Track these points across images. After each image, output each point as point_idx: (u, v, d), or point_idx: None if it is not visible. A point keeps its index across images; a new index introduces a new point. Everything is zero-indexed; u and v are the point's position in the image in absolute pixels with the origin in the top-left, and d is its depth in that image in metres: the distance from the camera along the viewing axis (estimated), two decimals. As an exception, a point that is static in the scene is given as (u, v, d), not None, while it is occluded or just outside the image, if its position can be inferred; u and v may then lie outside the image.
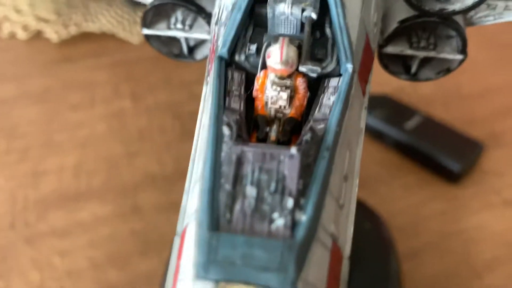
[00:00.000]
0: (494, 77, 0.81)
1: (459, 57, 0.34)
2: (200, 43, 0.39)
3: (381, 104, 0.73)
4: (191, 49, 0.39)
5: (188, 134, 0.72)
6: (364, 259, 0.54)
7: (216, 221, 0.21)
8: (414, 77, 0.37)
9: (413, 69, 0.36)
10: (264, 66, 0.26)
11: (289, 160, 0.22)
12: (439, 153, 0.68)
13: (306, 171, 0.22)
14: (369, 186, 0.67)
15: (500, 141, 0.72)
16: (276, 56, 0.24)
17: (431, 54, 0.34)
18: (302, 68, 0.25)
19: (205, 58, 0.38)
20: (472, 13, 0.34)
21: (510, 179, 0.68)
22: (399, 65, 0.37)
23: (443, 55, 0.34)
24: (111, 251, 0.59)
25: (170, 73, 0.80)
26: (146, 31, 0.36)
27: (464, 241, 0.62)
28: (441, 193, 0.67)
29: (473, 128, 0.72)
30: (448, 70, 0.36)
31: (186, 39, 0.37)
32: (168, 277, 0.23)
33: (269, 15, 0.27)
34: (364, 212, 0.59)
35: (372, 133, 0.70)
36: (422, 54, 0.35)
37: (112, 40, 0.84)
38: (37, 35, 0.84)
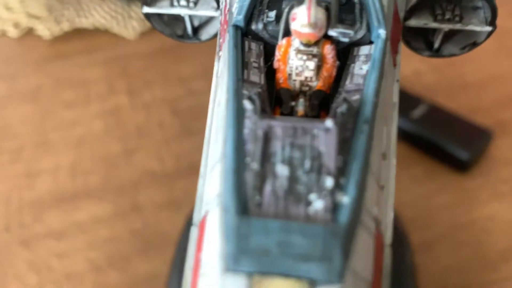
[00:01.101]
0: (498, 65, 0.79)
1: (488, 29, 0.32)
2: (205, 22, 0.36)
3: (387, 93, 0.71)
4: (196, 30, 0.36)
5: (187, 130, 0.70)
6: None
7: (244, 204, 0.18)
8: (437, 53, 0.34)
9: (436, 44, 0.34)
10: (286, 34, 0.23)
11: (325, 134, 0.19)
12: (447, 142, 0.66)
13: (343, 146, 0.19)
14: (377, 178, 0.65)
15: (508, 129, 0.70)
16: (303, 17, 0.21)
17: (457, 26, 0.32)
18: (332, 32, 0.22)
19: (211, 38, 0.35)
20: (500, -19, 0.32)
21: (520, 166, 0.66)
22: (420, 41, 0.34)
23: (470, 27, 0.31)
24: (111, 252, 0.56)
25: (167, 69, 0.77)
26: (147, 10, 0.33)
27: (477, 232, 0.60)
28: (450, 183, 0.64)
29: (479, 116, 0.70)
30: (474, 44, 0.33)
31: (191, 18, 0.34)
32: (186, 273, 0.20)
33: None
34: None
35: (379, 123, 0.68)
36: (447, 26, 0.32)
37: (106, 35, 0.81)
38: (29, 33, 0.81)
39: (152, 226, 0.59)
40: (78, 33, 0.81)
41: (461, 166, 0.65)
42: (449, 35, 0.34)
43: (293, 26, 0.22)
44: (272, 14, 0.24)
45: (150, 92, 0.74)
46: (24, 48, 0.80)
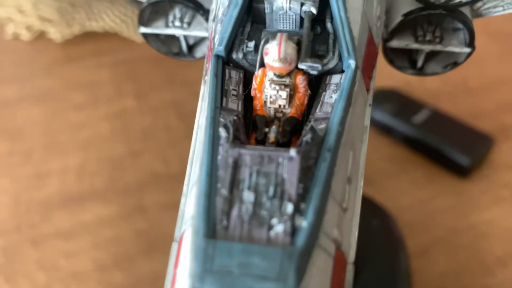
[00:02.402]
0: (500, 70, 0.80)
1: (467, 50, 0.33)
2: (200, 41, 0.38)
3: (388, 98, 0.72)
4: (191, 47, 0.38)
5: (192, 133, 0.72)
6: (372, 257, 0.53)
7: (212, 228, 0.20)
8: (420, 72, 0.36)
9: (419, 63, 0.35)
10: (262, 64, 0.25)
11: (288, 162, 0.21)
12: (448, 147, 0.67)
13: (306, 174, 0.21)
14: (377, 182, 0.66)
15: (510, 134, 0.71)
16: (274, 53, 0.23)
17: (437, 47, 0.33)
18: (302, 66, 0.24)
19: (205, 56, 0.37)
20: (479, 4, 0.33)
21: (520, 172, 0.67)
22: (404, 60, 0.36)
23: (450, 49, 0.33)
24: (116, 252, 0.59)
25: (173, 72, 0.79)
26: (144, 30, 0.35)
27: (475, 236, 0.61)
28: (450, 188, 0.65)
29: (481, 121, 0.71)
30: (455, 64, 0.35)
31: (185, 37, 0.36)
32: (165, 286, 0.22)
33: (267, 10, 0.26)
34: (372, 209, 0.58)
35: (380, 128, 0.69)
36: (428, 47, 0.33)
37: (115, 39, 0.83)
38: (41, 36, 0.83)
39: (156, 227, 0.61)
40: (88, 36, 0.83)
41: (461, 171, 0.65)
42: (432, 54, 0.35)
43: (266, 60, 0.24)
44: (251, 44, 0.26)
45: (157, 95, 0.76)
46: (35, 51, 0.82)
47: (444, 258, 0.59)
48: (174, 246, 0.23)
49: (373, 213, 0.58)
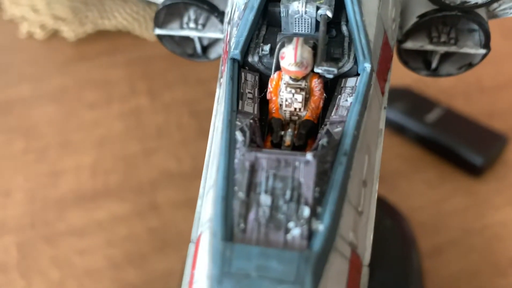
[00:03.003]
0: (516, 69, 0.79)
1: (482, 51, 0.33)
2: (214, 42, 0.38)
3: (401, 97, 0.71)
4: (205, 49, 0.38)
5: (205, 131, 0.71)
6: (385, 257, 0.53)
7: (230, 231, 0.20)
8: (434, 73, 0.36)
9: (434, 64, 0.35)
10: (278, 67, 0.25)
11: (304, 166, 0.21)
12: (461, 146, 0.66)
13: (322, 178, 0.21)
14: (390, 181, 0.66)
15: (524, 134, 0.70)
16: (290, 57, 0.24)
17: (452, 49, 0.33)
18: (318, 70, 0.24)
19: (220, 57, 0.37)
20: (495, 5, 0.33)
21: (535, 172, 0.66)
22: (419, 61, 0.36)
23: (465, 50, 0.33)
24: (129, 249, 0.59)
25: (187, 71, 0.79)
26: (159, 31, 0.35)
27: (488, 237, 0.61)
28: (464, 188, 0.65)
29: (495, 120, 0.70)
30: (470, 65, 0.35)
31: (200, 38, 0.37)
32: (183, 286, 0.23)
33: (283, 14, 0.26)
34: (385, 209, 0.58)
35: (392, 127, 0.69)
36: (442, 49, 0.33)
37: (127, 37, 0.84)
38: (54, 34, 0.84)
39: (169, 224, 0.61)
40: (101, 34, 0.83)
41: (474, 171, 0.65)
42: (447, 55, 0.35)
43: (282, 64, 0.24)
44: (267, 47, 0.26)
45: (170, 93, 0.76)
46: (49, 50, 0.83)
47: (457, 259, 0.59)
48: (191, 248, 0.23)
49: (385, 213, 0.58)
